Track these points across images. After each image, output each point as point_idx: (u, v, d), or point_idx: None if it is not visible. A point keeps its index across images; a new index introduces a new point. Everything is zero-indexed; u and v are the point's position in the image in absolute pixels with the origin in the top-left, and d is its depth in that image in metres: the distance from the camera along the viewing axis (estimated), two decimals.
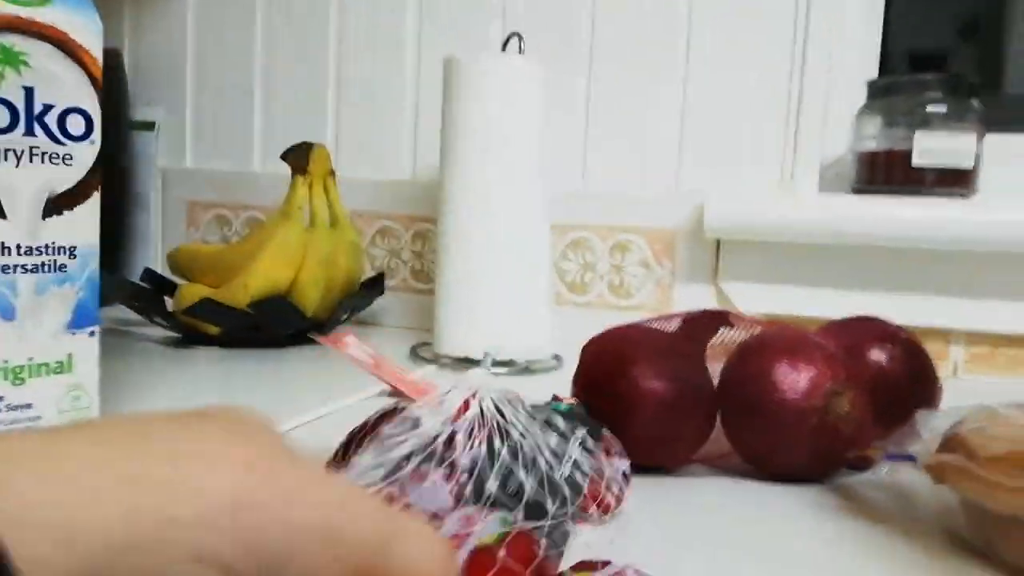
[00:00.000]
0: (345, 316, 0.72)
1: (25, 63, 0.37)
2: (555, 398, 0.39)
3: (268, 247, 0.63)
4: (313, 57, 0.87)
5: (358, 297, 0.71)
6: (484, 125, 0.63)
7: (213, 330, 0.64)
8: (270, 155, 0.90)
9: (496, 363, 0.66)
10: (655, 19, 0.75)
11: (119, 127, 0.88)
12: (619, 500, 0.35)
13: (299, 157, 0.66)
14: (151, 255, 0.91)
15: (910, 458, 0.35)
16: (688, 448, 0.39)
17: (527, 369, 0.65)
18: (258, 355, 0.64)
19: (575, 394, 0.41)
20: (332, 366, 0.63)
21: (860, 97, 0.73)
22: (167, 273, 0.75)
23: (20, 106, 0.37)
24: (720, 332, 0.41)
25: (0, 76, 0.37)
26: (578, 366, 0.41)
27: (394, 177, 0.84)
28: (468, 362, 0.64)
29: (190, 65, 0.92)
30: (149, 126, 0.92)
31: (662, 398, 0.37)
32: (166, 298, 0.71)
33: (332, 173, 0.68)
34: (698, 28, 0.74)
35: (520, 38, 0.67)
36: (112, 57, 0.76)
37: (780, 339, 0.39)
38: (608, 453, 0.36)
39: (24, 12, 0.37)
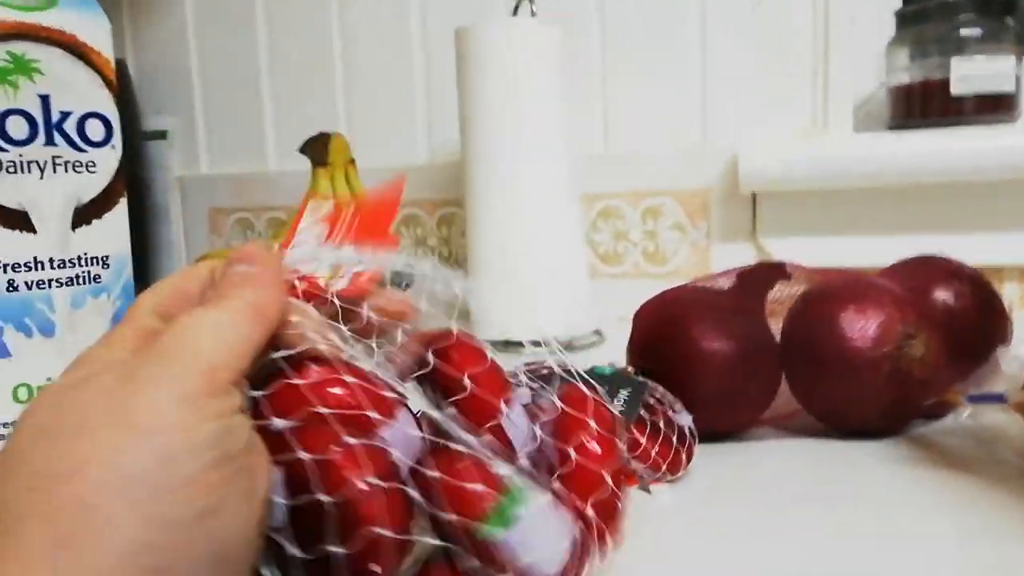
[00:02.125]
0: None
1: (38, 70, 0.36)
2: (594, 366, 0.37)
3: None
4: (318, 47, 0.85)
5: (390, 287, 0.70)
6: (504, 94, 0.61)
7: None
8: (285, 152, 0.89)
9: (536, 343, 0.65)
10: None
11: (131, 138, 0.87)
12: (689, 456, 0.34)
13: (317, 149, 0.65)
14: (176, 266, 0.91)
15: (996, 398, 0.33)
16: (755, 409, 0.38)
17: (569, 346, 0.63)
18: None
19: (631, 362, 0.39)
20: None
21: (888, 29, 0.70)
22: None
23: (38, 115, 0.36)
24: (778, 285, 0.39)
25: (14, 86, 0.36)
26: (632, 332, 0.40)
27: (412, 162, 0.83)
28: (510, 345, 0.63)
29: (195, 69, 0.91)
30: (161, 135, 0.91)
31: (725, 357, 0.36)
32: None
33: (352, 161, 0.67)
34: None
35: (531, 0, 0.65)
36: (118, 68, 0.75)
37: (843, 285, 0.37)
38: (672, 410, 0.34)
39: (30, 17, 0.36)
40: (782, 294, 0.39)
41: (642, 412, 0.33)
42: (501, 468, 0.21)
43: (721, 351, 0.35)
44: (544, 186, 0.63)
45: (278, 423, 0.19)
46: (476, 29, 0.61)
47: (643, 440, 0.32)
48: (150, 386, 0.17)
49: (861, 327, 0.36)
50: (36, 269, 0.36)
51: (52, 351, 0.37)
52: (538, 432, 0.23)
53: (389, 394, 0.21)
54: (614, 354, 0.64)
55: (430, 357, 0.23)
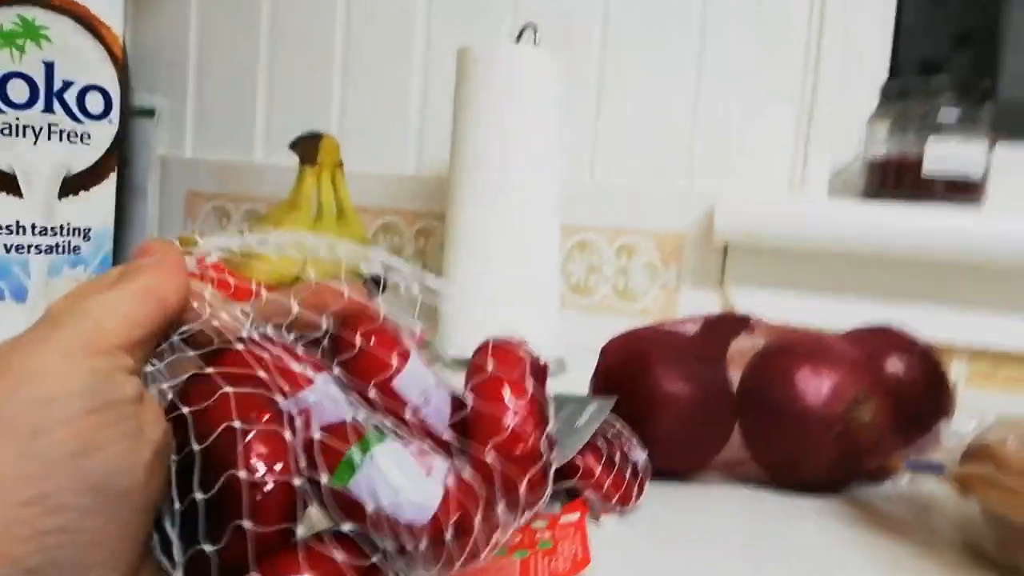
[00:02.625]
0: None
1: (46, 37, 0.36)
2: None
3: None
4: (318, 46, 0.86)
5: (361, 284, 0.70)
6: (499, 117, 0.62)
7: None
8: (272, 146, 0.89)
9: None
10: (668, 16, 0.75)
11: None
12: (640, 490, 0.35)
13: (308, 147, 0.65)
14: None
15: (935, 468, 0.35)
16: (707, 453, 0.39)
17: None
18: None
19: (594, 392, 0.40)
20: None
21: (871, 102, 0.73)
22: None
23: (40, 81, 0.36)
24: (741, 336, 0.40)
25: (21, 49, 0.36)
26: (598, 364, 0.41)
27: (398, 172, 0.84)
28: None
29: (192, 51, 0.91)
30: (149, 113, 0.91)
31: (684, 400, 0.37)
32: None
33: (340, 164, 0.67)
34: (712, 28, 0.74)
35: (535, 29, 0.66)
36: None
37: (802, 343, 0.39)
38: (628, 444, 0.35)
39: None
40: (744, 345, 0.40)
41: (599, 443, 0.34)
42: (359, 419, 0.21)
43: (681, 394, 0.37)
44: (528, 210, 0.64)
45: (166, 387, 0.21)
46: (478, 50, 0.63)
47: (598, 470, 0.33)
48: (37, 344, 0.19)
49: (815, 386, 0.37)
50: (17, 233, 0.36)
51: (22, 317, 0.37)
52: (432, 380, 0.24)
53: (296, 365, 0.22)
54: (575, 384, 0.65)
55: (324, 321, 0.23)
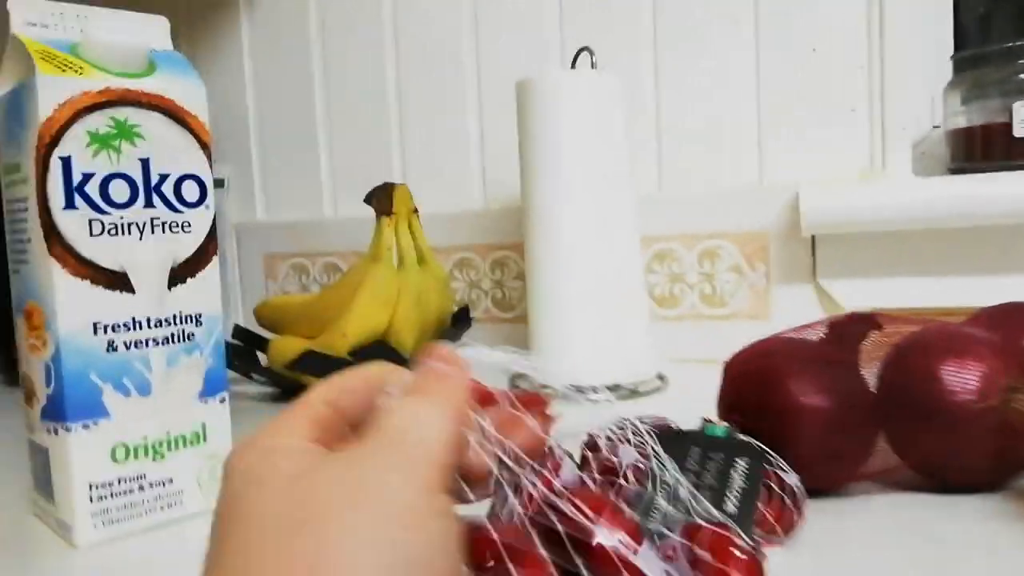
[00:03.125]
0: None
1: (139, 135, 0.37)
2: (706, 421, 0.37)
3: (362, 291, 0.62)
4: (374, 95, 0.87)
5: (449, 333, 0.70)
6: (567, 144, 0.61)
7: (313, 382, 0.63)
8: (340, 199, 0.90)
9: (599, 389, 0.65)
10: (720, 7, 0.73)
11: None
12: (800, 514, 0.33)
13: (382, 199, 0.66)
14: (233, 311, 0.92)
15: None
16: (854, 464, 0.37)
17: (634, 392, 0.63)
18: None
19: (722, 416, 0.39)
20: None
21: (939, 74, 0.70)
22: (252, 327, 0.74)
23: (138, 178, 0.37)
24: (870, 336, 0.38)
25: (117, 151, 0.37)
26: (722, 386, 0.39)
27: (466, 207, 0.84)
28: (571, 390, 0.63)
29: (252, 118, 0.93)
30: (218, 183, 0.93)
31: (825, 412, 0.35)
32: (258, 352, 0.70)
33: (415, 211, 0.68)
34: (767, 14, 0.72)
35: (591, 52, 0.65)
36: None
37: (940, 337, 0.37)
38: (779, 470, 0.34)
39: (132, 84, 0.37)
40: (874, 343, 0.38)
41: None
42: None
43: (821, 406, 0.35)
44: (605, 229, 0.63)
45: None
46: (537, 80, 0.62)
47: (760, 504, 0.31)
48: (386, 473, 0.18)
49: (962, 379, 0.35)
50: (134, 329, 0.37)
51: (148, 410, 0.37)
52: None
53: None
54: (679, 399, 0.63)
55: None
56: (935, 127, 0.73)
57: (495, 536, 0.20)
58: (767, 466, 0.32)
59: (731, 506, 0.32)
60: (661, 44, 0.76)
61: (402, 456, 0.18)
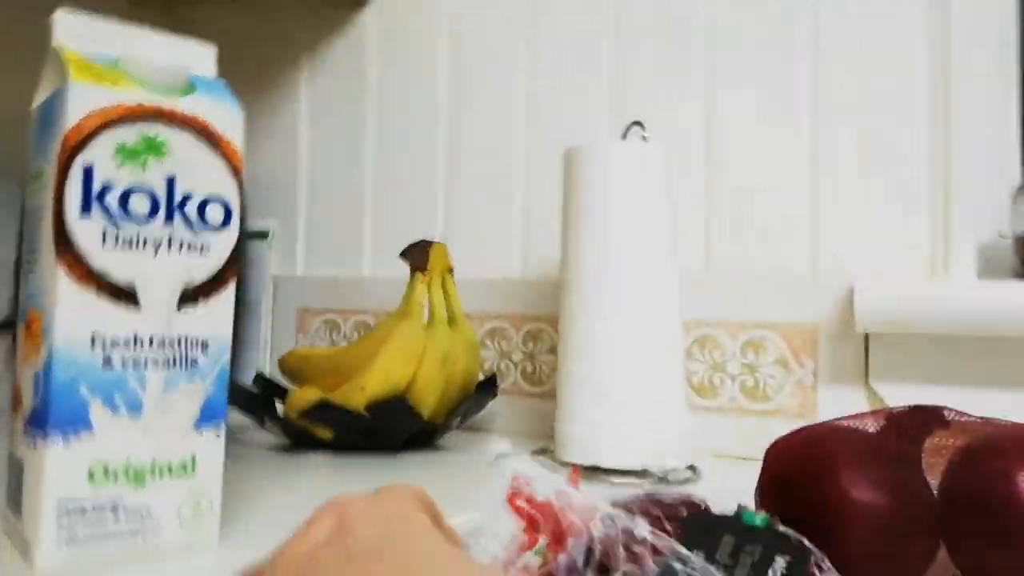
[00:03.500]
0: (458, 420, 0.68)
1: (167, 152, 0.36)
2: (742, 507, 0.33)
3: (387, 346, 0.60)
4: (422, 161, 0.87)
5: (473, 400, 0.67)
6: (612, 215, 0.59)
7: (325, 434, 0.60)
8: (380, 258, 0.89)
9: (624, 473, 0.60)
10: (777, 89, 0.72)
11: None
12: None
13: (418, 254, 0.64)
14: (262, 361, 0.91)
15: None
16: (910, 573, 0.32)
17: (663, 479, 0.58)
18: (373, 460, 0.60)
19: (760, 505, 0.35)
20: (452, 471, 0.58)
21: (1010, 175, 0.67)
22: (275, 378, 0.73)
23: (161, 196, 0.36)
24: (935, 433, 0.34)
25: (143, 165, 0.36)
26: (763, 471, 0.35)
27: (504, 275, 0.82)
28: (596, 471, 0.59)
29: (303, 176, 0.94)
30: (263, 235, 0.93)
31: (880, 511, 0.31)
32: (277, 402, 0.68)
33: (451, 270, 0.66)
34: (826, 103, 0.70)
35: (642, 126, 0.64)
36: None
37: (1018, 438, 0.32)
38: (820, 570, 0.29)
39: (167, 103, 0.36)
40: (939, 444, 0.34)
41: None
42: None
43: (877, 504, 0.31)
44: (646, 308, 0.60)
45: None
46: (585, 149, 0.61)
47: None
48: None
49: None
50: (135, 346, 0.35)
51: (136, 432, 0.35)
52: None
53: None
54: (711, 493, 0.59)
55: None
56: (1002, 237, 0.69)
57: None
58: (814, 570, 0.28)
59: None
60: (714, 122, 0.74)
61: None
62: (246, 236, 0.92)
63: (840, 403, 0.67)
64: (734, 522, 0.31)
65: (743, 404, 0.71)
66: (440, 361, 0.61)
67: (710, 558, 0.29)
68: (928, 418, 0.34)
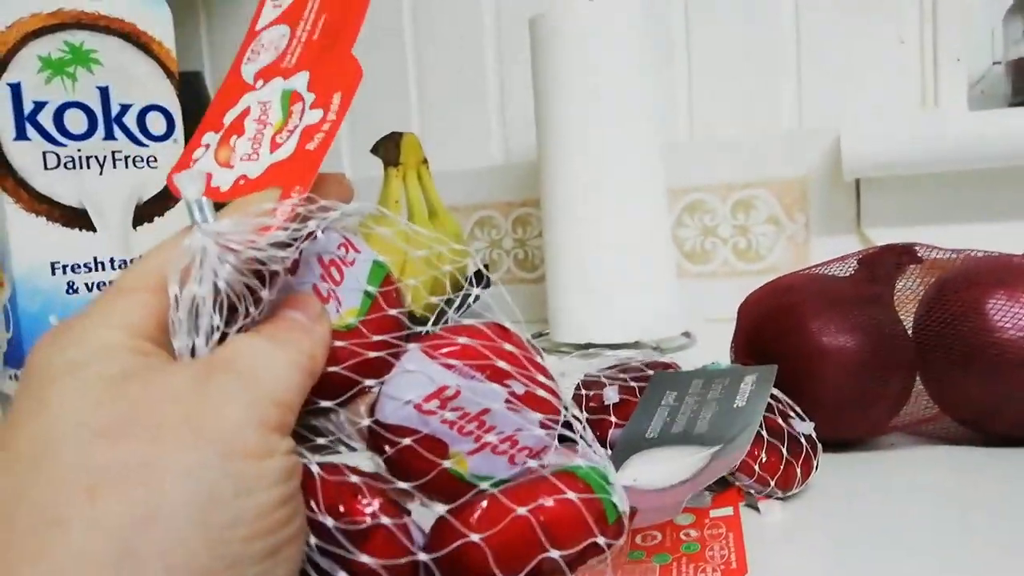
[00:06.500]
0: (449, 319, 0.68)
1: (96, 60, 0.35)
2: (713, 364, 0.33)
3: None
4: (391, 51, 0.84)
5: (465, 293, 0.67)
6: (583, 83, 0.57)
7: None
8: (358, 157, 0.87)
9: (618, 347, 0.61)
10: None
11: None
12: (807, 471, 0.29)
13: (389, 148, 0.63)
14: None
15: None
16: (886, 413, 0.33)
17: (657, 349, 0.59)
18: None
19: (736, 360, 0.35)
20: None
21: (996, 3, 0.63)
22: None
23: (97, 108, 0.35)
24: (907, 270, 0.34)
25: (72, 77, 0.34)
26: (737, 327, 0.35)
27: (487, 164, 0.80)
28: (591, 347, 0.59)
29: None
30: None
31: (852, 354, 0.31)
32: None
33: (425, 162, 0.64)
34: None
35: None
36: (195, 79, 0.75)
37: (988, 268, 0.32)
38: (785, 416, 0.30)
39: (89, 6, 0.34)
40: (913, 282, 0.33)
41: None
42: None
43: (847, 347, 0.31)
44: (628, 178, 0.58)
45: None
46: (551, 15, 0.58)
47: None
48: (227, 405, 0.16)
49: (1015, 315, 0.30)
50: (96, 270, 0.35)
51: None
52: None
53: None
54: (704, 356, 0.60)
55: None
56: (995, 63, 0.67)
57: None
58: (769, 412, 0.28)
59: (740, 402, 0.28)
60: None
61: (243, 391, 0.16)
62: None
63: (834, 254, 0.67)
64: (701, 372, 0.31)
65: (736, 266, 0.71)
66: (424, 258, 0.60)
67: (680, 398, 0.29)
68: (900, 256, 0.33)
